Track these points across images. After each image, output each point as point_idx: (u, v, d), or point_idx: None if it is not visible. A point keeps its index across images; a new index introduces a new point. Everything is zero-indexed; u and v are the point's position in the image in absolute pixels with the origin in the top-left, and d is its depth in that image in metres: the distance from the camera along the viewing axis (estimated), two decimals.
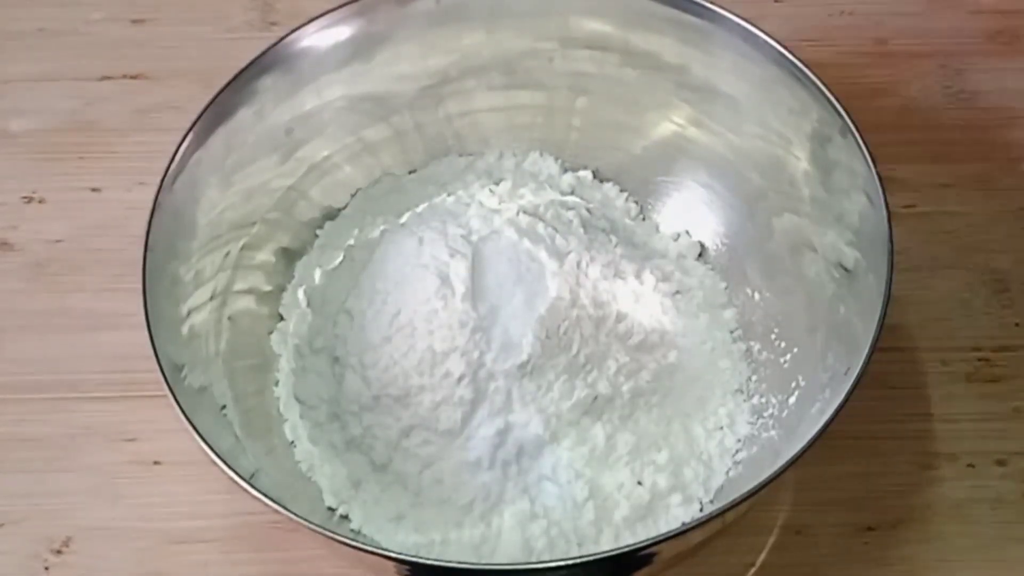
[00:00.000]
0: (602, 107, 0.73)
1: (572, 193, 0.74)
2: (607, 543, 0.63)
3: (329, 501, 0.64)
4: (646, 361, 0.67)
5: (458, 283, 0.65)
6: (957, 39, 0.83)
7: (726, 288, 0.71)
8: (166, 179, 0.63)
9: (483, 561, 0.62)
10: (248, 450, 0.63)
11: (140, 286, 0.60)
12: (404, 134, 0.74)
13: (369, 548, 0.56)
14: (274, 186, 0.70)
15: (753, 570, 0.65)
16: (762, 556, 0.65)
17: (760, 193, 0.70)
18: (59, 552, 0.66)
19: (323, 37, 0.68)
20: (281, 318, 0.70)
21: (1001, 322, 0.72)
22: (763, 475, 0.55)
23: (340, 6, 0.68)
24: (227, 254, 0.67)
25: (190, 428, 0.56)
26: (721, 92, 0.70)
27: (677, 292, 0.70)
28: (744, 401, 0.68)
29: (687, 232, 0.73)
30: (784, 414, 0.66)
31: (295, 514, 0.55)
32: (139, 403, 0.70)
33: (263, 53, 0.67)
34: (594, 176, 0.75)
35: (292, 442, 0.66)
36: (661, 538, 0.55)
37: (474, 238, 0.68)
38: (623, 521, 0.63)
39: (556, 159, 0.75)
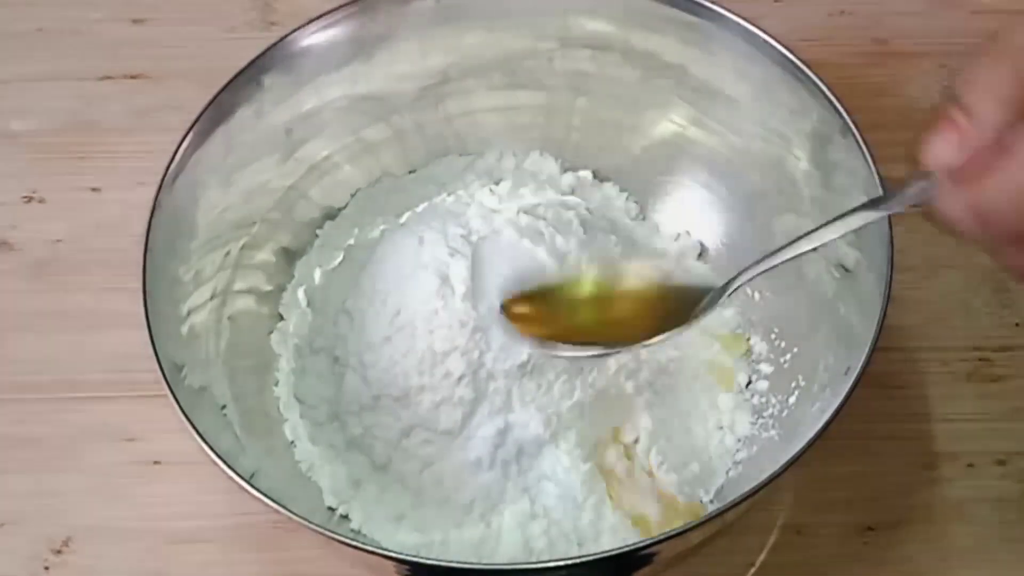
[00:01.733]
0: (602, 107, 0.73)
1: (572, 193, 0.74)
2: (607, 543, 0.63)
3: (329, 501, 0.65)
4: (646, 360, 0.67)
5: (458, 283, 0.65)
6: (957, 39, 0.83)
7: None
8: (166, 179, 0.63)
9: (483, 561, 0.62)
10: (248, 450, 0.63)
11: (140, 286, 0.60)
12: (404, 134, 0.74)
13: (369, 548, 0.56)
14: (274, 186, 0.70)
15: (753, 570, 0.65)
16: (762, 556, 0.65)
17: (760, 193, 0.70)
18: (59, 552, 0.66)
19: (323, 37, 0.68)
20: (281, 318, 0.70)
21: (1001, 322, 0.72)
22: (763, 475, 0.56)
23: (340, 6, 0.68)
24: (227, 254, 0.67)
25: (190, 428, 0.56)
26: (721, 92, 0.70)
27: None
28: (744, 401, 0.68)
29: (687, 232, 0.73)
30: (784, 414, 0.66)
31: (295, 514, 0.55)
32: (139, 403, 0.70)
33: (263, 53, 0.67)
34: (594, 176, 0.75)
35: (292, 442, 0.66)
36: (661, 538, 0.55)
37: (474, 238, 0.68)
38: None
39: (556, 159, 0.75)
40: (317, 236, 0.73)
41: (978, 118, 0.49)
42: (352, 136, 0.73)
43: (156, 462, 0.69)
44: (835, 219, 0.55)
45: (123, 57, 0.84)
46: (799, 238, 0.56)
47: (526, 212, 0.70)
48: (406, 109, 0.73)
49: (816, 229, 0.56)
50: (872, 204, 0.55)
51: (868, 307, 0.59)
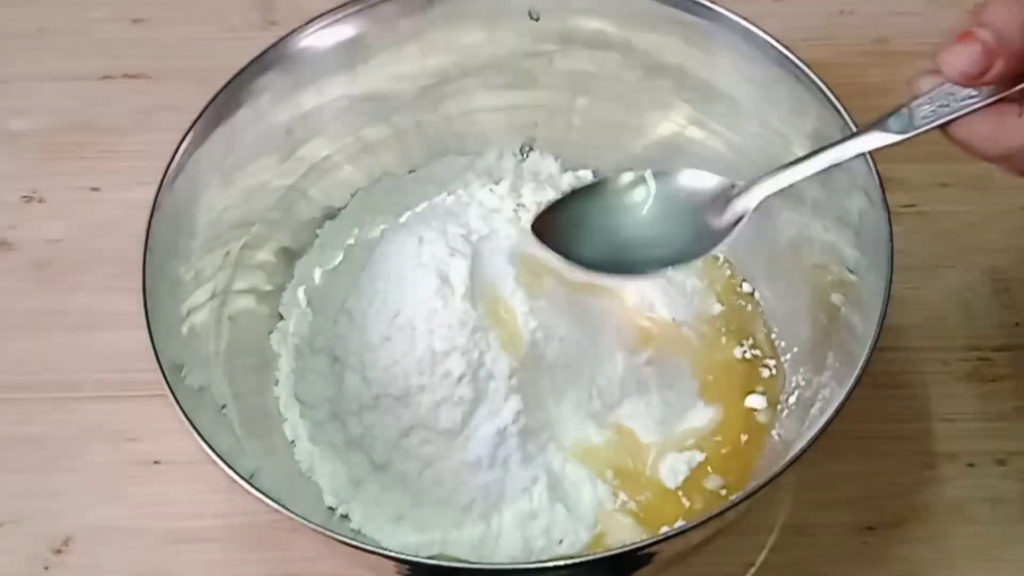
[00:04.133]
0: (602, 107, 0.73)
1: None
2: (607, 542, 0.63)
3: (329, 501, 0.65)
4: (645, 359, 0.67)
5: (458, 282, 0.65)
6: None
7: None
8: (166, 179, 0.63)
9: (483, 561, 0.62)
10: (248, 450, 0.63)
11: (140, 286, 0.60)
12: (404, 134, 0.74)
13: (369, 548, 0.56)
14: (274, 186, 0.70)
15: (753, 570, 0.65)
16: (762, 556, 0.65)
17: None
18: (59, 552, 0.66)
19: (323, 37, 0.68)
20: (281, 318, 0.70)
21: (1001, 322, 0.72)
22: (764, 475, 0.56)
23: (340, 6, 0.68)
24: (227, 253, 0.67)
25: (190, 428, 0.56)
26: (721, 92, 0.69)
27: (677, 291, 0.70)
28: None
29: None
30: (784, 414, 0.66)
31: (295, 514, 0.55)
32: (139, 403, 0.70)
33: (263, 53, 0.67)
34: (594, 176, 0.75)
35: (292, 442, 0.66)
36: (661, 538, 0.55)
37: (474, 238, 0.68)
38: None
39: (556, 159, 0.75)
40: (317, 236, 0.73)
41: (999, 32, 0.48)
42: (352, 136, 0.73)
43: (156, 462, 0.69)
44: (844, 140, 0.56)
45: (123, 57, 0.84)
46: (810, 155, 0.57)
47: (526, 212, 0.70)
48: (406, 109, 0.73)
49: (822, 150, 0.57)
50: (881, 123, 0.55)
51: (868, 307, 0.59)
